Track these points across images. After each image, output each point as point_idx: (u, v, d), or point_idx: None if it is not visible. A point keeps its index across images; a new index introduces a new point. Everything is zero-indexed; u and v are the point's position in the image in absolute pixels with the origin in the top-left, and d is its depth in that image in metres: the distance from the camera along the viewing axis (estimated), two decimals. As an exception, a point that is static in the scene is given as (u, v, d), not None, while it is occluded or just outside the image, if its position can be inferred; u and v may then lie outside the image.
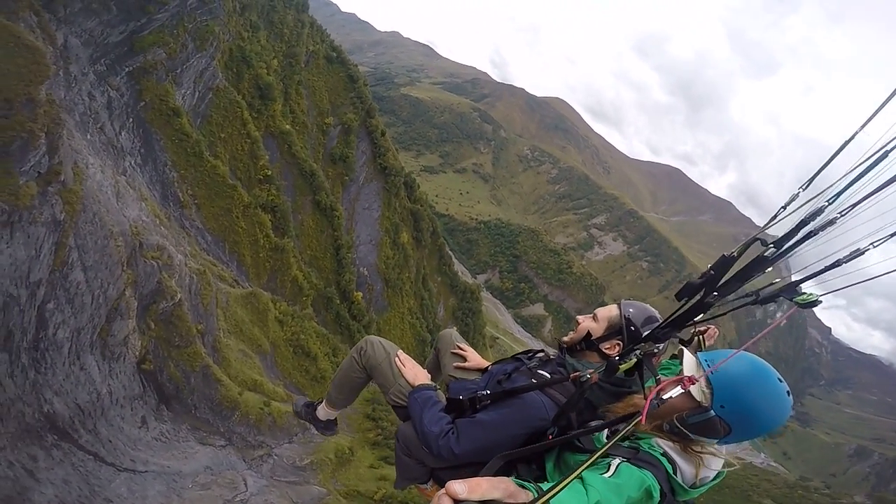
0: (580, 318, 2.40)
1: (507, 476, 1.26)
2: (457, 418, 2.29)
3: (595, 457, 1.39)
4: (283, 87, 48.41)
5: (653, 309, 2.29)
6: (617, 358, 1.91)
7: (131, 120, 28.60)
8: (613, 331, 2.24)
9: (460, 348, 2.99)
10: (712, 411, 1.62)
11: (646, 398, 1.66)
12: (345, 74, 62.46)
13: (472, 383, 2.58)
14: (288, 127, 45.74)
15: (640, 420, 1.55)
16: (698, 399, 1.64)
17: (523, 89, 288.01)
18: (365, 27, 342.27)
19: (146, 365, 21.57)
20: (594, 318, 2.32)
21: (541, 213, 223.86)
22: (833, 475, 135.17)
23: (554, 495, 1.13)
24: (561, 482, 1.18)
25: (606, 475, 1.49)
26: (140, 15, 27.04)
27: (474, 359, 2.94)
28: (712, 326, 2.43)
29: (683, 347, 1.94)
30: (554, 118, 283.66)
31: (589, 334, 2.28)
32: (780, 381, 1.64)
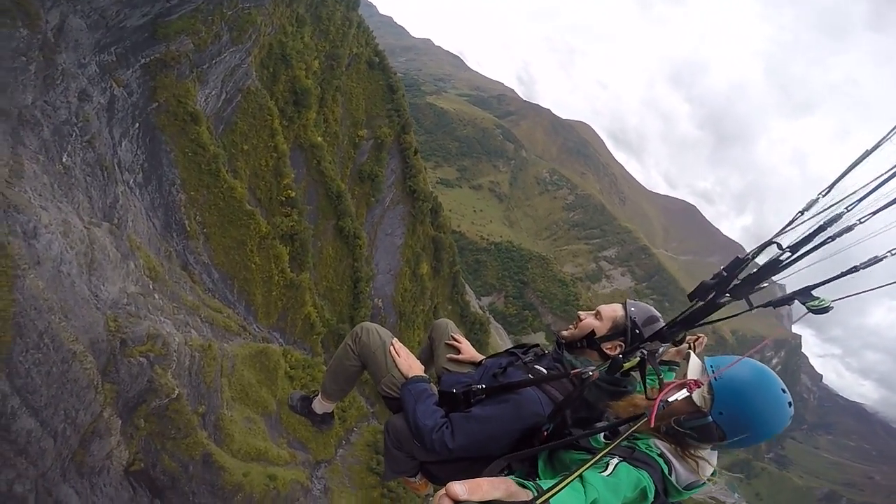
0: (582, 314, 2.36)
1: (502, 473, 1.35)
2: (450, 412, 2.24)
3: (599, 456, 1.36)
4: (321, 93, 42.50)
5: (654, 309, 2.25)
6: (621, 356, 1.91)
7: (137, 125, 22.55)
8: (617, 331, 2.20)
9: (455, 339, 2.93)
10: (710, 417, 1.61)
11: (647, 398, 1.70)
12: (385, 83, 56.66)
13: (465, 376, 2.53)
14: (320, 139, 39.80)
15: (649, 422, 1.51)
16: (699, 404, 1.65)
17: (549, 110, 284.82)
18: (399, 32, 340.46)
19: (135, 466, 16.91)
20: (598, 315, 2.28)
21: (552, 240, 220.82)
22: None
23: (555, 494, 1.12)
24: (562, 481, 1.17)
25: (605, 474, 1.49)
26: (169, -5, 21.04)
27: (468, 352, 2.87)
28: (702, 336, 2.46)
29: (690, 351, 2.14)
30: (577, 142, 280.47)
31: (592, 332, 2.24)
32: (784, 391, 1.62)
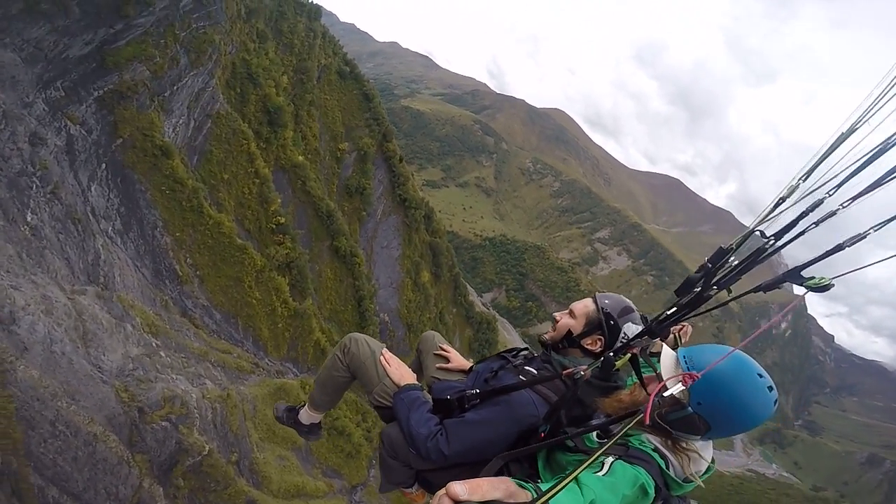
0: (557, 315, 2.38)
1: (501, 474, 1.35)
2: (444, 419, 2.22)
3: (596, 456, 1.36)
4: (294, 110, 40.42)
5: (627, 299, 2.26)
6: (611, 354, 1.91)
7: (104, 166, 20.43)
8: (593, 326, 2.22)
9: (443, 349, 2.95)
10: (690, 408, 1.60)
11: (647, 393, 1.71)
12: (359, 92, 54.64)
13: (457, 383, 2.54)
14: (301, 158, 37.70)
15: (644, 419, 1.49)
16: (677, 396, 1.62)
17: (523, 100, 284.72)
18: (364, 37, 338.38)
19: (183, 522, 15.13)
20: (571, 314, 2.31)
21: (544, 228, 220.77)
22: (846, 483, 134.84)
23: (553, 495, 1.12)
24: (560, 482, 1.17)
25: (600, 474, 1.49)
26: (114, 19, 18.92)
27: (457, 360, 2.88)
28: (688, 325, 2.49)
29: (663, 343, 2.01)
30: (554, 129, 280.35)
31: (570, 332, 2.26)
32: (761, 376, 1.60)
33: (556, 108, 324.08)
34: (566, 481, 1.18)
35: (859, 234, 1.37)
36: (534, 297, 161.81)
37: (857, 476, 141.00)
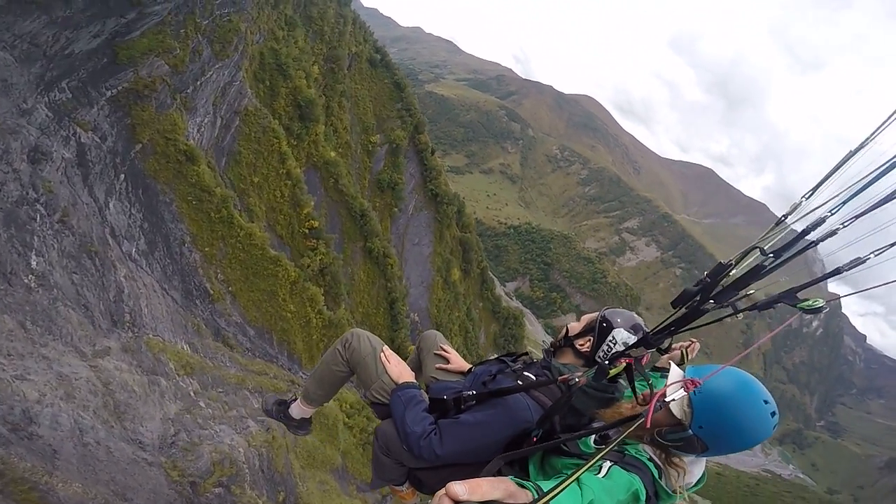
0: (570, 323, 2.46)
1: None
2: (440, 419, 2.23)
3: (595, 460, 1.34)
4: (325, 101, 37.57)
5: (638, 317, 2.30)
6: (607, 363, 1.90)
7: (122, 177, 18.04)
8: (588, 328, 2.30)
9: (443, 349, 2.96)
10: (690, 430, 1.61)
11: (638, 403, 1.73)
12: (390, 81, 51.44)
13: (455, 384, 2.57)
14: (333, 154, 34.94)
15: (646, 422, 1.49)
16: (679, 417, 1.63)
17: (551, 86, 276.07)
18: (387, 23, 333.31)
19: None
20: (578, 319, 2.46)
21: (571, 217, 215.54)
22: (861, 487, 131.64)
23: (555, 496, 1.13)
24: (562, 482, 1.17)
25: (599, 476, 1.50)
26: (124, 7, 16.13)
27: (456, 361, 2.90)
28: (695, 341, 2.47)
29: (671, 361, 2.11)
30: (583, 116, 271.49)
31: (568, 331, 2.38)
32: (766, 402, 1.59)
33: (584, 95, 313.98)
34: (569, 481, 1.16)
35: (859, 259, 1.39)
36: (559, 287, 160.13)
37: (873, 480, 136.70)
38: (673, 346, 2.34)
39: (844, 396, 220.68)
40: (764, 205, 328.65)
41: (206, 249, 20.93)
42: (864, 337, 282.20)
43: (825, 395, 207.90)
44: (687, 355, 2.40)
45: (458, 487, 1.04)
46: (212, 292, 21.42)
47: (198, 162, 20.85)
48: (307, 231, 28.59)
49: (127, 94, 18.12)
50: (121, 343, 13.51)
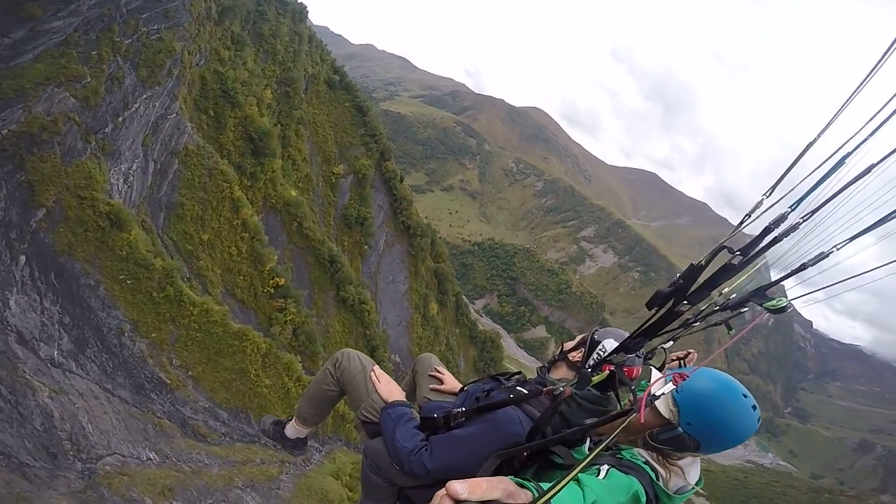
0: None
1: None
2: (431, 436, 2.22)
3: (592, 456, 1.35)
4: (282, 131, 32.76)
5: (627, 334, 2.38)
6: (589, 370, 1.91)
7: (22, 261, 13.12)
8: (581, 342, 2.36)
9: (437, 371, 2.95)
10: (680, 428, 1.65)
11: (627, 410, 1.75)
12: (351, 104, 47.22)
13: (446, 403, 2.55)
14: (294, 194, 30.19)
15: (639, 417, 1.51)
16: (666, 416, 1.67)
17: (502, 100, 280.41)
18: (338, 40, 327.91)
19: None
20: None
21: (531, 229, 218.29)
22: (842, 469, 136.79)
23: (554, 495, 1.13)
24: (560, 481, 1.17)
25: (599, 477, 1.51)
26: (11, 22, 11.29)
27: (450, 382, 2.88)
28: (692, 351, 2.52)
29: (652, 366, 2.09)
30: (534, 128, 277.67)
31: (563, 346, 2.44)
32: (745, 396, 1.65)
33: (534, 107, 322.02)
34: (567, 479, 1.16)
35: (823, 253, 1.46)
36: (526, 301, 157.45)
37: (850, 462, 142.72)
38: (670, 355, 2.41)
39: (803, 382, 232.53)
40: (706, 204, 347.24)
41: (154, 335, 16.08)
42: (811, 323, 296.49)
43: (787, 382, 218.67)
44: (684, 366, 2.39)
45: (458, 486, 1.04)
46: (168, 381, 16.66)
47: (127, 227, 15.81)
48: (272, 290, 23.65)
49: (16, 140, 13.08)
50: (70, 489, 8.75)
